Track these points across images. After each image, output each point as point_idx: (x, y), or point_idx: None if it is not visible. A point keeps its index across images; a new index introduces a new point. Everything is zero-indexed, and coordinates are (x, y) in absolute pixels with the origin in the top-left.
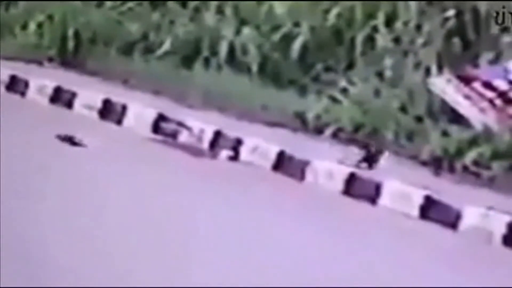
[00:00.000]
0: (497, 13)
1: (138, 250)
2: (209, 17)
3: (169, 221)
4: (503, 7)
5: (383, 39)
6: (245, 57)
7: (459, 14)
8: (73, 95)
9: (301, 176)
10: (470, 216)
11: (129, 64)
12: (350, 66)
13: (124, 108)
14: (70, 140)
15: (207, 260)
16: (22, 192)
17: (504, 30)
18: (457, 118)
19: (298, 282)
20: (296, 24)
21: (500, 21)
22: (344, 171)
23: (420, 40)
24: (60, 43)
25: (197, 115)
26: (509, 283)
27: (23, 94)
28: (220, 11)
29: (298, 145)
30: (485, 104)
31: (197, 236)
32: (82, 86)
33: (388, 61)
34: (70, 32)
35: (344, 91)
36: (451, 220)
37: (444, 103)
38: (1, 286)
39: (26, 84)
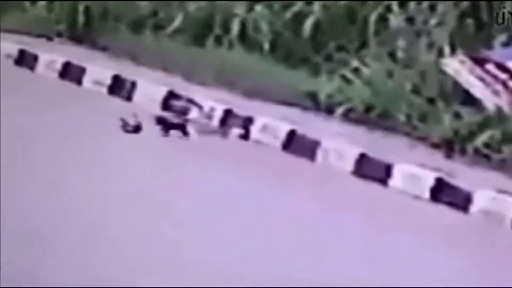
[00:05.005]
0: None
1: (152, 224)
2: None
3: (181, 199)
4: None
5: (396, 19)
6: (257, 35)
7: None
8: (83, 70)
9: (312, 156)
10: (481, 199)
11: (140, 40)
12: (363, 45)
13: (133, 84)
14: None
15: (216, 237)
16: (27, 169)
17: None
18: (469, 99)
19: (306, 260)
20: (309, 3)
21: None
22: (354, 152)
23: (433, 21)
24: (70, 18)
25: (207, 93)
26: None
27: (32, 68)
28: None
29: (309, 124)
30: (498, 86)
31: (209, 213)
32: (92, 62)
33: (401, 42)
34: (81, 7)
35: (356, 71)
36: (461, 202)
37: (456, 84)
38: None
39: (35, 59)
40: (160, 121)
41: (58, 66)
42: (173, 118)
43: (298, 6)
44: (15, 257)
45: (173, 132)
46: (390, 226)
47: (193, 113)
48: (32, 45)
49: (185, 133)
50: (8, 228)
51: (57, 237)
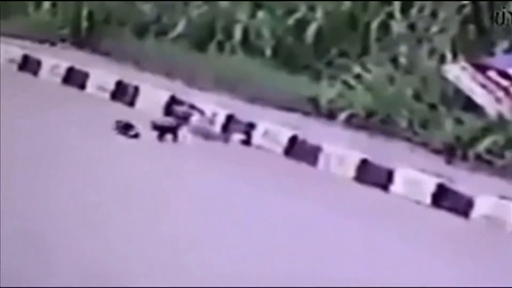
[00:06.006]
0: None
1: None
2: None
3: (182, 204)
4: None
5: (398, 26)
6: (259, 41)
7: (475, 1)
8: (86, 75)
9: (313, 161)
10: (482, 205)
11: (142, 45)
12: (364, 52)
13: (136, 89)
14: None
15: (216, 242)
16: (29, 173)
17: None
18: (471, 106)
19: (306, 265)
20: (311, 9)
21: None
22: (356, 157)
23: (435, 27)
24: (74, 23)
25: (209, 98)
26: None
27: (35, 73)
28: None
29: (311, 130)
30: (500, 93)
31: (210, 218)
32: (95, 67)
33: (402, 48)
34: (84, 12)
35: (358, 77)
36: (463, 208)
37: (458, 90)
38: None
39: (39, 64)
40: (156, 126)
41: (62, 71)
42: (169, 122)
43: (301, 12)
44: (15, 257)
45: (169, 137)
46: (391, 231)
47: (195, 118)
48: (36, 50)
49: (182, 137)
50: (8, 228)
51: (57, 237)
